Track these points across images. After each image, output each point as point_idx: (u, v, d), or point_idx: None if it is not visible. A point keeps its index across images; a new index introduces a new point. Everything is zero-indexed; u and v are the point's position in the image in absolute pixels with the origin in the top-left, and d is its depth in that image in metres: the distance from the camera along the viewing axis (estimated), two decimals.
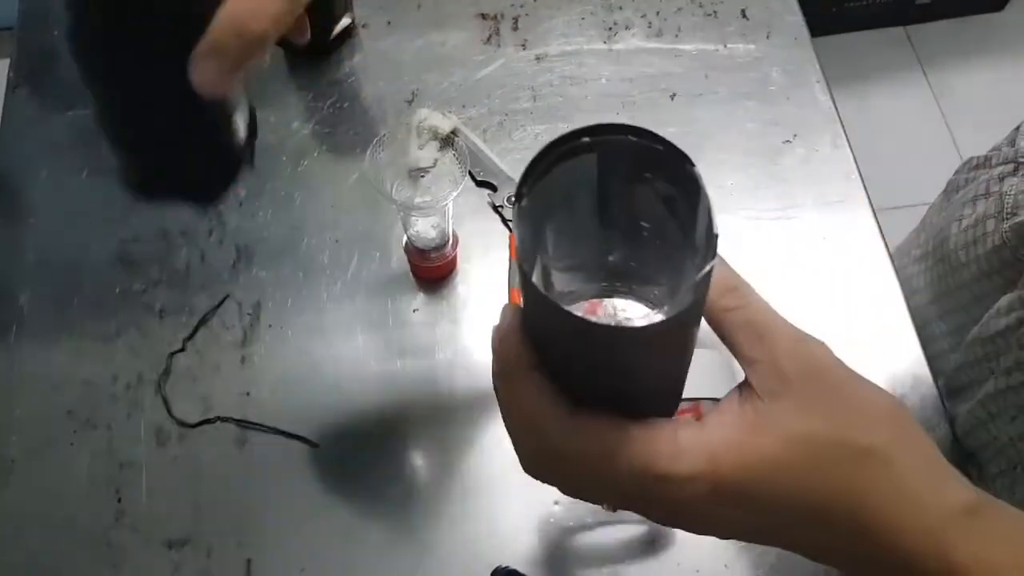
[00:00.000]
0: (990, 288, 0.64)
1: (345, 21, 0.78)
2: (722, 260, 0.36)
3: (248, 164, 0.47)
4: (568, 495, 0.39)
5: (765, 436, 0.33)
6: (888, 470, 0.33)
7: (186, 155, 0.45)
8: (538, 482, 0.58)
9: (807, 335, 0.35)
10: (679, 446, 0.33)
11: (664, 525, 0.40)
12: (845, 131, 0.74)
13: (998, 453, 0.60)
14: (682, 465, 0.33)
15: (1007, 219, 0.62)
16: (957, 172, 0.74)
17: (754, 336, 0.35)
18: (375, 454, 0.61)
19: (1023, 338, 0.58)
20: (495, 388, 0.37)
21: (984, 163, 0.70)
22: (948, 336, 0.70)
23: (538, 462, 0.37)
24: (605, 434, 0.34)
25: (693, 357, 0.35)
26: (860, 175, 0.72)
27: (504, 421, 0.37)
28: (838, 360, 0.35)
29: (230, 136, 0.45)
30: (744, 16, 0.81)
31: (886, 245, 0.69)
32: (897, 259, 0.79)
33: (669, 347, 0.33)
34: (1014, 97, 1.77)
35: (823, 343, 0.36)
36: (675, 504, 0.34)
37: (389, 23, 0.81)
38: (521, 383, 0.35)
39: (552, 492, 0.59)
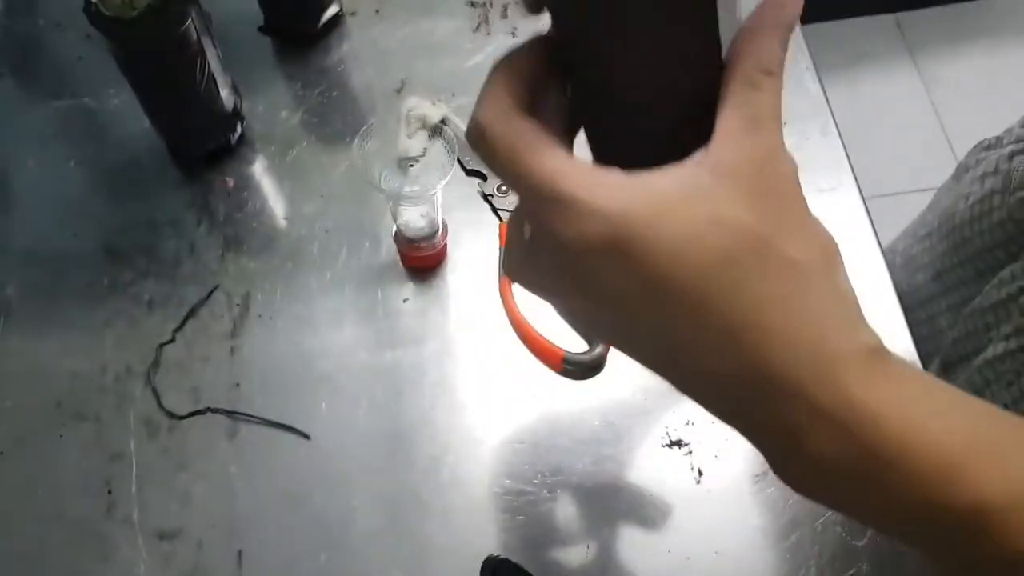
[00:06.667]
0: (993, 262, 0.65)
1: (333, 9, 0.78)
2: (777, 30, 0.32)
3: None
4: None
5: (694, 207, 0.29)
6: (804, 288, 0.30)
7: None
8: (534, 468, 0.58)
9: (785, 151, 0.32)
10: (597, 177, 0.30)
11: (533, 288, 0.35)
12: (835, 119, 0.74)
13: None
14: (593, 194, 0.29)
15: (1013, 193, 0.63)
16: (968, 154, 0.75)
17: (749, 120, 0.31)
18: (366, 445, 0.61)
19: None
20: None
21: (995, 144, 0.71)
22: (948, 313, 0.71)
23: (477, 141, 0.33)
24: (534, 135, 0.31)
25: None
26: (850, 163, 0.72)
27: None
28: (798, 181, 0.32)
29: None
30: None
31: (875, 233, 0.69)
32: (902, 240, 0.80)
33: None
34: (1003, 85, 1.78)
35: (795, 164, 0.32)
36: (563, 244, 0.30)
37: (377, 11, 0.81)
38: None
39: (543, 481, 0.60)
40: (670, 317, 0.30)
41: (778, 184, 0.31)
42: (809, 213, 0.32)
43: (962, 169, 0.75)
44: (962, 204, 0.69)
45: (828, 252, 0.31)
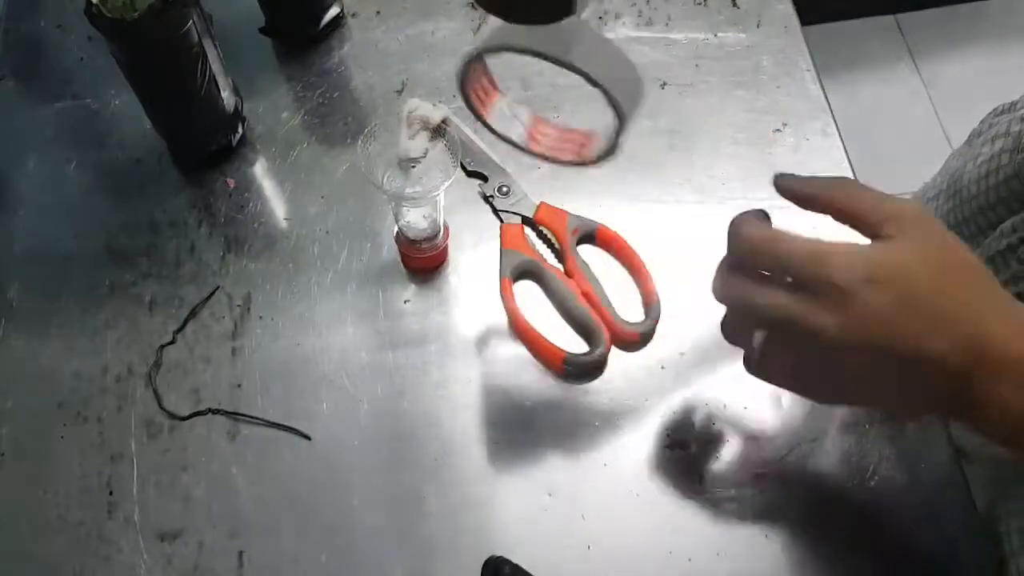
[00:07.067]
0: (995, 219, 0.66)
1: (334, 10, 0.78)
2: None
3: None
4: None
5: (917, 249, 0.45)
6: (985, 281, 0.45)
7: None
8: (535, 469, 0.58)
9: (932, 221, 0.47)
10: (851, 248, 0.46)
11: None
12: (835, 119, 0.74)
13: None
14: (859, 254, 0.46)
15: (1022, 151, 0.63)
16: (982, 120, 0.75)
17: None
18: (367, 445, 0.61)
19: (1023, 254, 0.59)
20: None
21: (1009, 108, 0.71)
22: None
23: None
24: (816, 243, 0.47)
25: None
26: (850, 164, 0.72)
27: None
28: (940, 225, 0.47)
29: None
30: (734, 5, 0.80)
31: None
32: None
33: None
34: (1003, 85, 1.77)
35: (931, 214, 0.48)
36: (864, 305, 0.43)
37: (378, 12, 0.81)
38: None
39: (545, 482, 0.60)
40: (915, 318, 0.43)
41: (943, 236, 0.47)
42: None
43: (974, 134, 0.75)
44: (971, 165, 0.70)
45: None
